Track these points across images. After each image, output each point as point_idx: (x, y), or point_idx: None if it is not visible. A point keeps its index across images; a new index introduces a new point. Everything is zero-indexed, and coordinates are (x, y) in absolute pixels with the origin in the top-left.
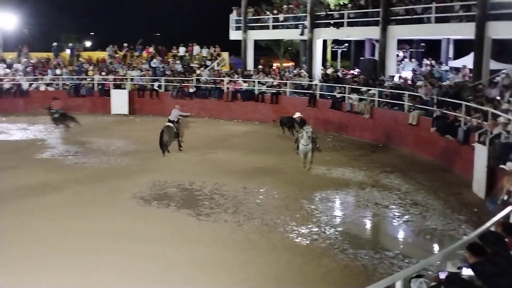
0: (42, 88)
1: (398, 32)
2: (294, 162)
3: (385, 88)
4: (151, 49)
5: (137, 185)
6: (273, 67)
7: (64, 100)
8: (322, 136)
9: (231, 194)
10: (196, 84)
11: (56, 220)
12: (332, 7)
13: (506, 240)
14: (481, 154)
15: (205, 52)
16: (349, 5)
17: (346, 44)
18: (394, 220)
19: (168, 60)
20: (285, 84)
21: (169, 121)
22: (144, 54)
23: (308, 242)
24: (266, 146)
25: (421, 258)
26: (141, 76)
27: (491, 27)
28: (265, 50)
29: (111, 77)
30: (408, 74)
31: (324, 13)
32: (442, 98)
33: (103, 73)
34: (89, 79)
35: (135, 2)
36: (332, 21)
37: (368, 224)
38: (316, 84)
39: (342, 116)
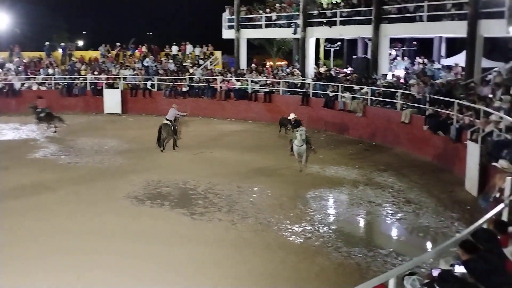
0: (35, 87)
1: (391, 30)
2: (288, 161)
3: (377, 87)
4: (144, 48)
5: (131, 184)
6: (266, 66)
7: (57, 99)
8: (315, 134)
9: (225, 193)
10: (189, 83)
11: (50, 220)
12: (324, 5)
13: (498, 237)
14: (473, 152)
15: (198, 51)
16: (342, 4)
17: (339, 43)
18: (387, 218)
19: (161, 59)
20: (278, 83)
21: (166, 119)
22: (137, 53)
23: (302, 240)
24: (259, 145)
25: (414, 256)
26: (134, 75)
27: (483, 25)
28: (258, 49)
29: (103, 76)
30: (400, 72)
31: (317, 11)
32: (435, 96)
33: (96, 73)
34: (82, 78)
35: (128, 1)
36: (324, 20)
37: (362, 222)
38: (309, 83)
39: (335, 115)
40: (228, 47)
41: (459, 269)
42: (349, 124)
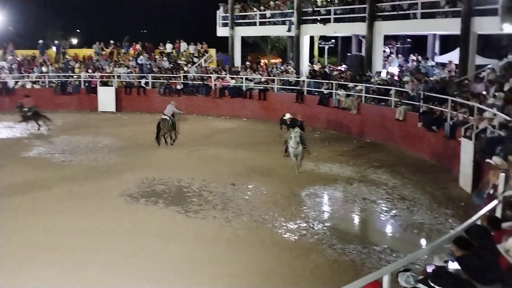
0: (28, 86)
1: (385, 28)
2: (282, 159)
3: (372, 84)
4: (138, 46)
5: (125, 182)
6: (260, 64)
7: (51, 98)
8: (310, 132)
9: (220, 191)
10: (184, 81)
11: (43, 218)
12: (319, 3)
13: (492, 233)
14: (467, 149)
15: (192, 48)
16: (336, 1)
17: (333, 40)
18: (381, 215)
19: (155, 57)
20: (273, 81)
21: (164, 114)
22: (131, 51)
23: (296, 237)
24: (254, 142)
25: (409, 252)
26: (128, 73)
27: (476, 23)
28: (252, 46)
29: (97, 74)
30: (394, 69)
31: (311, 9)
32: (429, 94)
33: (90, 71)
34: (76, 76)
35: None
36: (319, 17)
37: (356, 219)
38: (303, 81)
39: (330, 112)
40: (223, 44)
41: (453, 265)
42: (343, 122)
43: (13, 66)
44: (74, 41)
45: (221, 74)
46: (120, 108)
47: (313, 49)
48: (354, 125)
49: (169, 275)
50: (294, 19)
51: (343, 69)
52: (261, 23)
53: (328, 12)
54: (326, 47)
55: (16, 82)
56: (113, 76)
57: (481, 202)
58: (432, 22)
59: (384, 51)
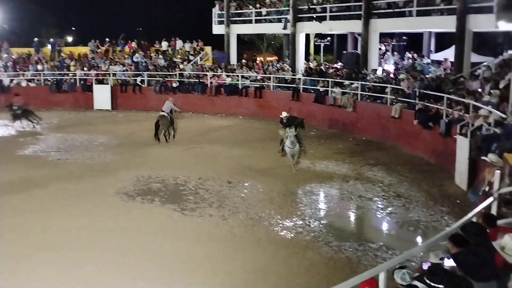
0: (24, 84)
1: (380, 25)
2: (278, 157)
3: (367, 82)
4: (134, 44)
5: (121, 180)
6: (256, 61)
7: (46, 96)
8: (306, 129)
9: (216, 189)
10: (179, 78)
11: (39, 216)
12: (314, 1)
13: (488, 230)
14: (463, 146)
15: (188, 46)
16: None
17: (329, 38)
18: (377, 212)
19: (151, 54)
20: (269, 78)
21: (163, 111)
22: (127, 49)
23: (292, 235)
24: (250, 140)
25: (405, 250)
26: (124, 71)
27: (471, 20)
28: (248, 44)
29: (93, 72)
30: (390, 67)
31: (307, 7)
32: (424, 91)
33: (85, 69)
34: (71, 74)
35: None
36: (314, 15)
37: (352, 217)
38: (299, 78)
39: (326, 110)
40: (218, 42)
41: (449, 263)
42: (339, 119)
43: (8, 64)
44: (69, 39)
45: (217, 72)
46: (116, 106)
47: (309, 46)
48: (350, 122)
49: (165, 273)
50: (289, 16)
51: (339, 67)
52: (257, 21)
53: (324, 10)
54: (322, 44)
55: (11, 81)
56: (109, 74)
57: (477, 199)
58: (427, 19)
59: (380, 49)
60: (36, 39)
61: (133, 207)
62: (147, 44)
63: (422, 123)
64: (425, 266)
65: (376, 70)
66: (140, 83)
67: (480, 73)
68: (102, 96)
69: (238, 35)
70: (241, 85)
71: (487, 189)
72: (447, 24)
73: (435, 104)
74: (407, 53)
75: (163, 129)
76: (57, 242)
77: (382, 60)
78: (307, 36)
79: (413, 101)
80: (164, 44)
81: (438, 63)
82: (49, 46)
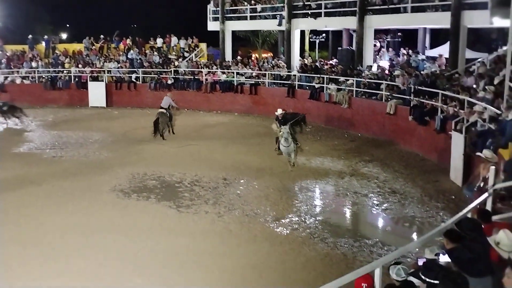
0: (18, 81)
1: (375, 22)
2: (273, 153)
3: (362, 78)
4: (128, 41)
5: (116, 178)
6: (251, 58)
7: (40, 93)
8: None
9: (211, 186)
10: (174, 75)
11: (34, 214)
12: None
13: (483, 226)
14: (457, 142)
15: (183, 43)
16: None
17: (324, 34)
18: (373, 209)
19: (146, 51)
20: (264, 75)
21: (161, 107)
22: (121, 45)
23: (288, 231)
24: (245, 137)
25: (400, 246)
26: (119, 68)
27: (466, 16)
28: (243, 40)
29: (88, 69)
30: (385, 63)
31: (302, 3)
32: (419, 87)
33: (80, 66)
34: (66, 71)
35: None
36: (309, 11)
37: (348, 213)
38: (294, 75)
39: (321, 106)
40: (213, 39)
41: (444, 258)
42: (334, 116)
43: (2, 61)
44: (64, 36)
45: (212, 69)
46: (111, 103)
47: (304, 43)
48: (345, 119)
49: (161, 270)
50: (284, 13)
51: (334, 63)
52: (252, 17)
53: (319, 6)
54: (317, 41)
55: (6, 78)
56: (104, 71)
57: (472, 195)
58: (422, 16)
59: (375, 45)
60: (30, 36)
61: (129, 204)
62: (142, 41)
63: (417, 119)
64: (421, 262)
65: (371, 66)
66: (135, 80)
67: (475, 69)
68: (97, 93)
69: (233, 32)
70: (236, 81)
71: (482, 185)
72: (442, 20)
73: (430, 100)
74: (402, 49)
75: (162, 127)
76: (52, 239)
77: (377, 56)
78: (302, 32)
79: (408, 97)
80: (159, 41)
81: (433, 59)
82: (43, 43)
